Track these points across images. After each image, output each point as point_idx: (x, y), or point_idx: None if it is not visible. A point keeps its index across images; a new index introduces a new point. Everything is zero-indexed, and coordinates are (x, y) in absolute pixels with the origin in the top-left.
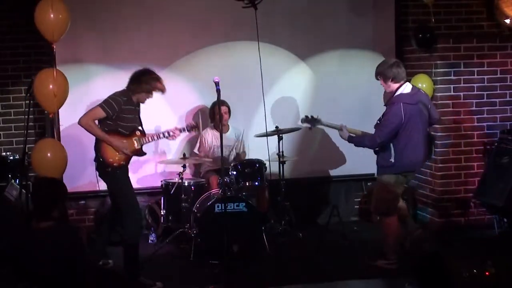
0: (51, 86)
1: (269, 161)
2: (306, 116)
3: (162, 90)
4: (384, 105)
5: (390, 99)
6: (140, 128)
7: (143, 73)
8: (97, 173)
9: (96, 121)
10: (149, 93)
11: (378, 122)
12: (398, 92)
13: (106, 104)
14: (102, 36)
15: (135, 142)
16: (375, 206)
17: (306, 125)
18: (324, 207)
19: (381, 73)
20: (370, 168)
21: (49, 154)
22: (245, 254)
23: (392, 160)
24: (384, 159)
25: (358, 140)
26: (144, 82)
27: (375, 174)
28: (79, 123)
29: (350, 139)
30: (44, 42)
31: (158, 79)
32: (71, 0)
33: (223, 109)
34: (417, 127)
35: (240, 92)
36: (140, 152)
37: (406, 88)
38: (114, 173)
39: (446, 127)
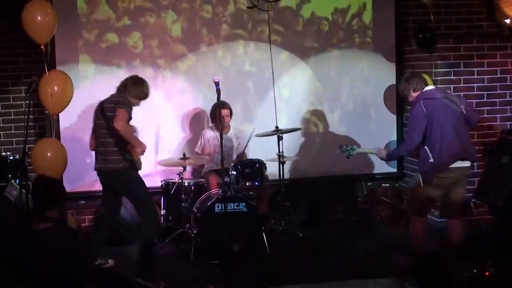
0: (52, 87)
1: (279, 160)
2: (340, 146)
3: (142, 98)
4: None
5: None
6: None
7: (138, 80)
8: (109, 175)
9: None
10: (141, 99)
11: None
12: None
13: (126, 105)
14: (103, 36)
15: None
16: (407, 205)
17: (344, 154)
18: (324, 207)
19: (402, 90)
20: (370, 168)
21: (49, 154)
22: (245, 254)
23: (431, 160)
24: (424, 163)
25: (395, 152)
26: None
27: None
28: (120, 130)
29: (388, 157)
30: None
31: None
32: (71, 0)
33: (225, 112)
34: (446, 120)
35: (239, 93)
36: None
37: (427, 88)
38: (135, 173)
39: None
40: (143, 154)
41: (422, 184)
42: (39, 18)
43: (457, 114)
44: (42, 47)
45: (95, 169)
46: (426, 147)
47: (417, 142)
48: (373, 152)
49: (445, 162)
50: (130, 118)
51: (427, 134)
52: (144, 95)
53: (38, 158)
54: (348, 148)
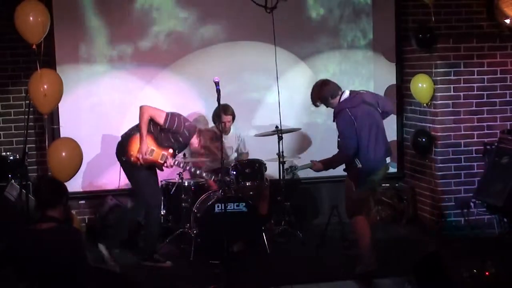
0: (44, 86)
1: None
2: (286, 169)
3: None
4: (333, 121)
5: (334, 113)
6: (176, 151)
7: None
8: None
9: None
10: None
11: (338, 139)
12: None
13: (171, 116)
14: (103, 36)
15: (161, 155)
16: (346, 208)
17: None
18: (324, 207)
19: (319, 98)
20: None
21: (64, 153)
22: (245, 254)
23: (359, 165)
24: (352, 168)
25: (331, 161)
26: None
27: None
28: (142, 109)
29: (325, 167)
30: (45, 42)
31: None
32: (72, 0)
33: (228, 118)
34: (370, 126)
35: (239, 92)
36: (159, 166)
37: (344, 94)
38: (133, 168)
39: (446, 127)
40: (141, 157)
41: (354, 188)
42: (31, 18)
43: (376, 117)
44: (34, 46)
45: None
46: None
47: (353, 150)
48: (308, 166)
49: (374, 166)
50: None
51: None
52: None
53: (54, 157)
54: (291, 170)
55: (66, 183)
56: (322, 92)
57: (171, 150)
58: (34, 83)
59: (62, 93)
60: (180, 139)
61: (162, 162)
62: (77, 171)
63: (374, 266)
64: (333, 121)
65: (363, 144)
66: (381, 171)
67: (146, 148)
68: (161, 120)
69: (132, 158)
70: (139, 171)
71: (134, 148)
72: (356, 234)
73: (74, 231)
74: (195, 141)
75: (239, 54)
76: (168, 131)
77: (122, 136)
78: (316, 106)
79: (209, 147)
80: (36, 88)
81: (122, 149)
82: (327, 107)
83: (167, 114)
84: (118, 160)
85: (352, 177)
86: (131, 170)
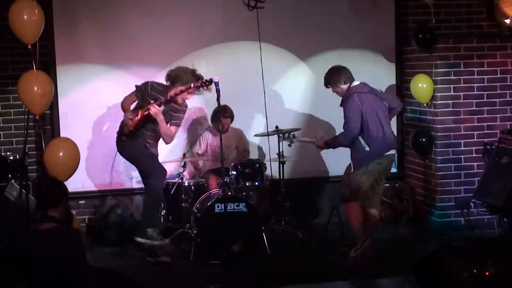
0: (35, 88)
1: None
2: (283, 134)
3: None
4: (340, 106)
5: (343, 97)
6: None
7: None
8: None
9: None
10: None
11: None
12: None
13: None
14: (103, 36)
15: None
16: (341, 193)
17: (285, 142)
18: (324, 207)
19: (332, 81)
20: None
21: (61, 153)
22: (245, 254)
23: (367, 148)
24: (359, 151)
25: (333, 140)
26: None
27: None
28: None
29: (327, 144)
30: (45, 42)
31: None
32: (72, 0)
33: (227, 121)
34: (378, 112)
35: (240, 92)
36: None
37: (354, 83)
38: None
39: (446, 127)
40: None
41: (353, 170)
42: (25, 17)
43: (384, 108)
44: (29, 46)
45: None
46: (360, 137)
47: (356, 133)
48: (310, 141)
49: (380, 151)
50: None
51: (362, 125)
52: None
53: (51, 158)
54: (290, 136)
55: (65, 183)
56: (337, 75)
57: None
58: (28, 83)
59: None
60: (160, 96)
61: (150, 110)
62: (74, 171)
63: (370, 252)
64: (340, 105)
65: (373, 127)
66: (385, 160)
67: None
68: (134, 98)
69: (130, 124)
70: (140, 150)
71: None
72: (349, 219)
73: (74, 232)
74: (201, 145)
75: (238, 54)
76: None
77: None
78: (327, 87)
79: (210, 150)
80: (31, 89)
81: (120, 131)
82: (333, 91)
83: (135, 91)
84: (119, 149)
85: (355, 161)
86: (133, 151)
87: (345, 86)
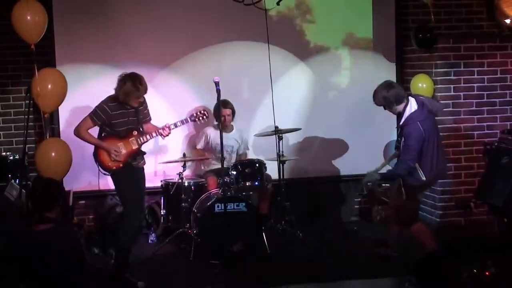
0: (42, 86)
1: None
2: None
3: (140, 91)
4: (397, 127)
5: (403, 120)
6: (138, 128)
7: (123, 78)
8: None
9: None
10: (130, 96)
11: (397, 144)
12: (407, 113)
13: (94, 114)
14: (102, 36)
15: (131, 143)
16: (402, 217)
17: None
18: (324, 207)
19: (384, 100)
20: (370, 168)
21: (53, 154)
22: (245, 254)
23: (424, 178)
24: (416, 179)
25: (392, 173)
26: (124, 86)
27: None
28: (75, 134)
29: (384, 177)
30: (45, 42)
31: (133, 80)
32: (72, 0)
33: (227, 111)
34: (436, 138)
35: (240, 92)
36: (139, 152)
37: (412, 104)
38: (114, 176)
39: (446, 127)
40: (118, 157)
41: (405, 196)
42: (28, 17)
43: (436, 124)
44: (33, 46)
45: None
46: (417, 165)
47: (415, 162)
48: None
49: (433, 181)
50: (101, 123)
51: (422, 152)
52: (131, 91)
53: (43, 158)
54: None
55: (66, 183)
56: (388, 94)
57: (135, 132)
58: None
59: (66, 91)
60: (123, 117)
61: (138, 145)
62: (67, 170)
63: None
64: (399, 128)
65: (430, 155)
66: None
67: (114, 147)
68: (91, 124)
69: (114, 166)
70: (120, 176)
71: (106, 158)
72: (420, 241)
73: (71, 232)
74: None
75: (238, 54)
76: (109, 123)
77: (94, 159)
78: (378, 105)
79: (212, 146)
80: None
81: (101, 167)
82: (389, 110)
83: (90, 116)
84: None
85: (408, 187)
86: (114, 179)
87: (399, 106)
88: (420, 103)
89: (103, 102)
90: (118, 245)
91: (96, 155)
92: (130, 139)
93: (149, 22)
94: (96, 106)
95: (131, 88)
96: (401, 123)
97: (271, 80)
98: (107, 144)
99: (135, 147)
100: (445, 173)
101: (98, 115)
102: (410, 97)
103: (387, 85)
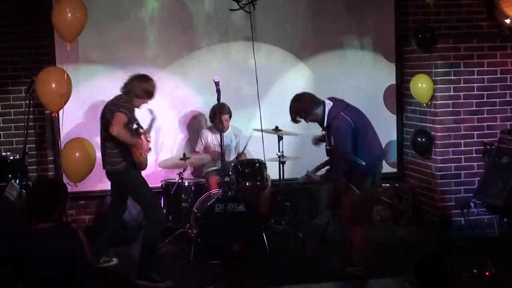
0: (53, 85)
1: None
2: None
3: (150, 93)
4: (322, 131)
5: (326, 119)
6: (140, 126)
7: (141, 76)
8: (112, 177)
9: None
10: (147, 95)
11: (328, 147)
12: (327, 111)
13: (124, 109)
14: (103, 36)
15: (145, 140)
16: (349, 214)
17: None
18: (324, 207)
19: (302, 112)
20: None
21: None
22: (245, 254)
23: (363, 163)
24: (356, 169)
25: (331, 173)
26: (144, 84)
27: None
28: (114, 133)
29: (326, 178)
30: (44, 42)
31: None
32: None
33: (225, 117)
34: (366, 124)
35: (240, 92)
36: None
37: (328, 103)
38: (138, 174)
39: (446, 127)
40: (148, 152)
41: (357, 191)
42: (69, 15)
43: (364, 116)
44: (68, 46)
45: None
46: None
47: (352, 154)
48: (305, 181)
49: (377, 161)
50: (130, 120)
51: (355, 141)
52: (148, 92)
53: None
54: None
55: (66, 183)
56: (303, 105)
57: (141, 131)
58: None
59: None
60: (135, 117)
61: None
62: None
63: (364, 271)
64: (325, 128)
65: (366, 140)
66: (381, 168)
67: (146, 145)
68: (125, 119)
69: (143, 165)
70: (140, 175)
71: (140, 156)
72: (353, 243)
73: (72, 231)
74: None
75: (238, 54)
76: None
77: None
78: (296, 122)
79: (210, 148)
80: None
81: (136, 164)
82: (308, 120)
83: (121, 111)
84: (123, 179)
85: (353, 180)
86: (139, 177)
87: (318, 110)
88: (334, 99)
89: (121, 99)
90: (144, 243)
91: (130, 153)
92: (142, 137)
93: (149, 22)
94: (121, 101)
95: (151, 88)
96: (325, 124)
97: (256, 81)
98: (142, 142)
99: (148, 146)
100: (383, 158)
101: (129, 109)
102: (325, 100)
103: (297, 97)
